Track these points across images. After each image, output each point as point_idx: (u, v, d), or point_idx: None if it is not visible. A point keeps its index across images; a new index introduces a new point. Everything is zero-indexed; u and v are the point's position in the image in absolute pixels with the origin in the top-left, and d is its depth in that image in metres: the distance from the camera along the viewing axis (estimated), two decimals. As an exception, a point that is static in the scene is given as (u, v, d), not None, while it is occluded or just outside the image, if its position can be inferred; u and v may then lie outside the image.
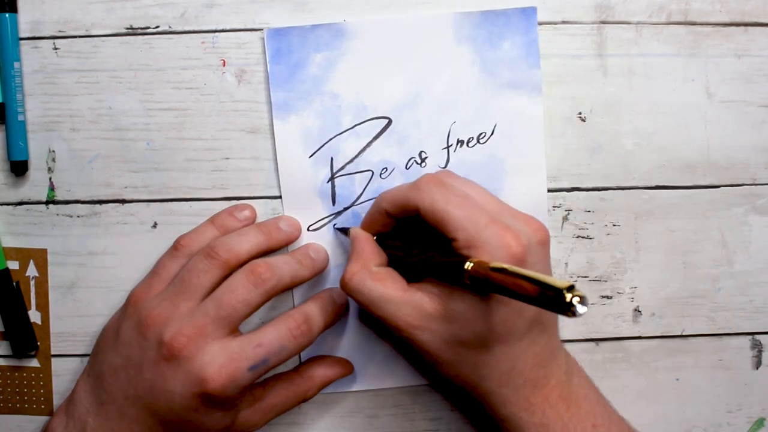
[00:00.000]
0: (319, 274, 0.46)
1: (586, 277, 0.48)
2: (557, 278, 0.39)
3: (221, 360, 0.40)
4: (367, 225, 0.45)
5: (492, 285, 0.36)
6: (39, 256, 0.48)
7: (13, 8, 0.46)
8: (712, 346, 0.49)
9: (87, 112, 0.47)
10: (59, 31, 0.47)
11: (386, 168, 0.47)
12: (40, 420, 0.48)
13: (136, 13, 0.46)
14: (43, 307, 0.48)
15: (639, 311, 0.48)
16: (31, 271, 0.48)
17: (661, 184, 0.48)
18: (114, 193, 0.47)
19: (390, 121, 0.46)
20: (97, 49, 0.47)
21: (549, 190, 0.47)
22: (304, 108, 0.46)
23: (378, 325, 0.47)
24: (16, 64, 0.46)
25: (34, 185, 0.47)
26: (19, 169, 0.47)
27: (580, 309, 0.32)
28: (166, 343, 0.40)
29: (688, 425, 0.49)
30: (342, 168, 0.47)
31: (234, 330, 0.41)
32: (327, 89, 0.46)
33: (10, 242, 0.48)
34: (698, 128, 0.47)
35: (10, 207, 0.48)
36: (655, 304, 0.48)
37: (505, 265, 0.35)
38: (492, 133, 0.46)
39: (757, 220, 0.48)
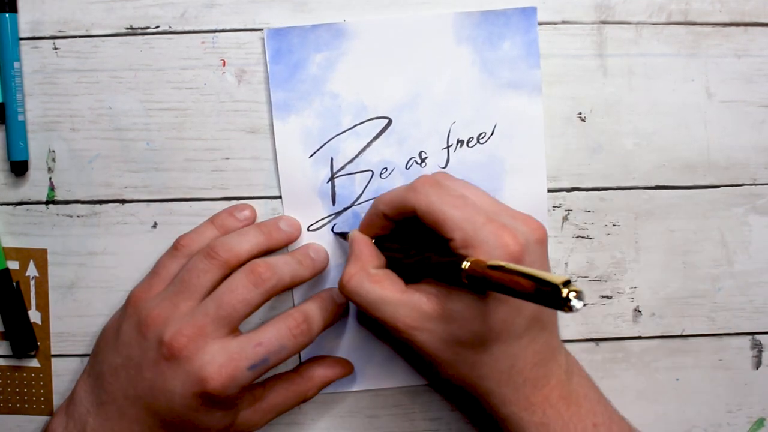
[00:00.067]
0: (319, 274, 0.46)
1: (586, 277, 0.48)
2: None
3: (221, 359, 0.40)
4: (365, 228, 0.45)
5: (489, 283, 0.36)
6: (39, 256, 0.48)
7: (13, 8, 0.46)
8: (712, 346, 0.49)
9: (87, 112, 0.47)
10: (59, 31, 0.47)
11: (386, 168, 0.47)
12: (40, 420, 0.48)
13: (136, 13, 0.46)
14: (43, 307, 0.48)
15: (639, 311, 0.48)
16: (31, 271, 0.48)
17: (661, 184, 0.48)
18: (114, 193, 0.47)
19: (390, 121, 0.46)
20: (97, 49, 0.47)
21: (549, 190, 0.47)
22: (304, 108, 0.46)
23: (377, 327, 0.47)
24: (16, 64, 0.46)
25: (34, 185, 0.47)
26: (19, 169, 0.47)
27: (577, 304, 0.32)
28: (166, 342, 0.40)
29: (688, 425, 0.49)
30: (342, 168, 0.47)
31: (234, 330, 0.41)
32: (327, 89, 0.46)
33: (10, 242, 0.48)
34: (698, 128, 0.47)
35: (10, 207, 0.48)
36: (655, 304, 0.48)
37: (501, 263, 0.35)
38: (492, 133, 0.46)
39: (757, 220, 0.48)
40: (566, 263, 0.48)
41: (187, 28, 0.46)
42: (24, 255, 0.48)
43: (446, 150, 0.47)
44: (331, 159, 0.47)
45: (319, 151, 0.47)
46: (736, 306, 0.48)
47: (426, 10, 0.46)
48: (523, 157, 0.47)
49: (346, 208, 0.47)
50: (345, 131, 0.47)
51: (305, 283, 0.46)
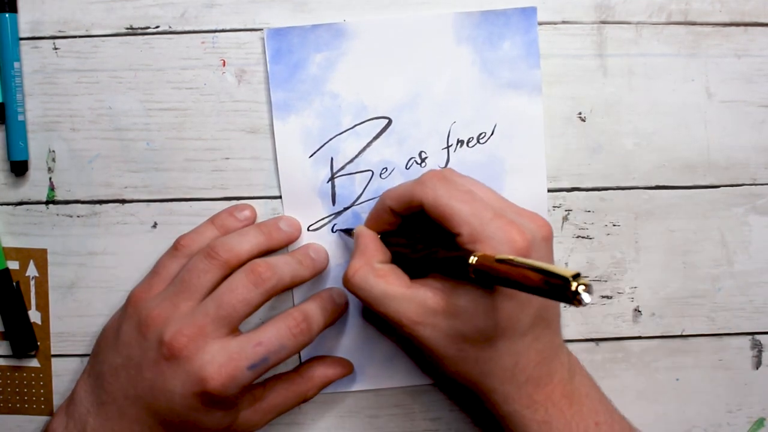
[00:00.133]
0: (319, 274, 0.46)
1: (586, 277, 0.48)
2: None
3: (221, 359, 0.40)
4: (372, 223, 0.45)
5: (497, 277, 0.35)
6: (39, 256, 0.48)
7: (13, 8, 0.46)
8: (712, 346, 0.49)
9: (87, 112, 0.47)
10: (59, 31, 0.47)
11: (386, 168, 0.47)
12: (40, 420, 0.48)
13: (136, 13, 0.46)
14: (43, 307, 0.48)
15: (639, 311, 0.48)
16: (31, 271, 0.48)
17: (661, 184, 0.48)
18: (114, 193, 0.47)
19: (390, 121, 0.46)
20: (97, 49, 0.47)
21: (549, 190, 0.47)
22: (304, 108, 0.46)
23: (381, 323, 0.47)
24: (16, 64, 0.46)
25: (34, 185, 0.47)
26: (19, 169, 0.47)
27: (586, 297, 0.32)
28: (167, 342, 0.40)
29: (688, 425, 0.49)
30: (342, 168, 0.47)
31: (234, 329, 0.41)
32: (327, 89, 0.46)
33: (10, 242, 0.48)
34: (698, 128, 0.47)
35: (10, 207, 0.48)
36: (655, 304, 0.48)
37: (510, 256, 0.35)
38: (492, 133, 0.46)
39: (757, 220, 0.48)
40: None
41: (187, 28, 0.46)
42: (24, 255, 0.48)
43: (446, 150, 0.47)
44: (331, 159, 0.47)
45: (319, 151, 0.47)
46: (736, 306, 0.48)
47: (426, 10, 0.46)
48: (523, 157, 0.47)
49: (346, 208, 0.47)
50: (345, 131, 0.47)
51: (305, 283, 0.46)
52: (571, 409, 0.41)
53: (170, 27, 0.46)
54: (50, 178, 0.47)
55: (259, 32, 0.46)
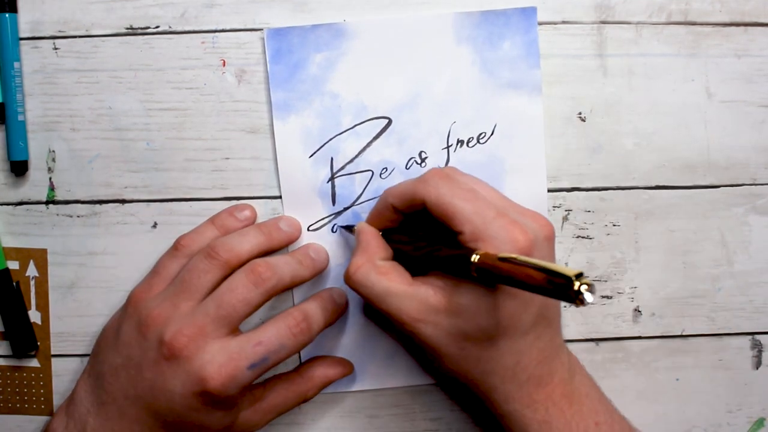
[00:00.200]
0: (319, 274, 0.46)
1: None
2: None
3: (221, 359, 0.40)
4: (374, 220, 0.45)
5: (499, 276, 0.35)
6: (39, 256, 0.48)
7: (13, 8, 0.46)
8: (712, 346, 0.49)
9: (87, 112, 0.47)
10: (59, 31, 0.47)
11: (386, 168, 0.47)
12: (40, 420, 0.48)
13: (136, 13, 0.46)
14: (43, 307, 0.48)
15: (639, 311, 0.48)
16: (31, 271, 0.48)
17: (661, 184, 0.48)
18: (114, 193, 0.47)
19: (390, 121, 0.46)
20: (97, 49, 0.47)
21: (549, 190, 0.47)
22: (304, 108, 0.46)
23: (382, 320, 0.47)
24: (16, 64, 0.46)
25: (34, 185, 0.47)
26: (19, 169, 0.47)
27: (589, 297, 0.32)
28: (167, 342, 0.40)
29: (688, 425, 0.49)
30: (342, 168, 0.47)
31: (234, 329, 0.41)
32: (327, 89, 0.46)
33: (10, 242, 0.48)
34: (698, 128, 0.47)
35: (10, 207, 0.48)
36: (655, 304, 0.48)
37: (513, 255, 0.35)
38: (492, 133, 0.47)
39: (757, 220, 0.48)
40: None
41: (187, 28, 0.46)
42: (24, 255, 0.48)
43: (446, 150, 0.47)
44: (331, 159, 0.47)
45: (319, 151, 0.47)
46: (736, 306, 0.48)
47: (426, 10, 0.46)
48: (523, 157, 0.47)
49: (346, 208, 0.47)
50: (345, 131, 0.47)
51: (305, 283, 0.46)
52: (571, 408, 0.41)
53: (170, 27, 0.46)
54: (50, 178, 0.47)
55: (259, 32, 0.46)
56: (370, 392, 0.48)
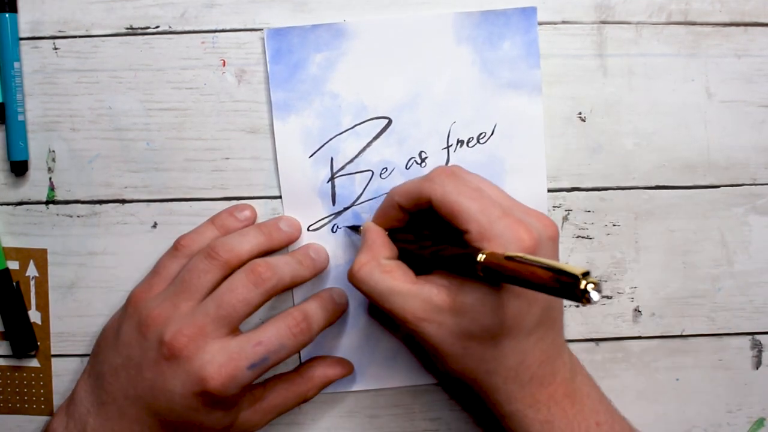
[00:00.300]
0: (319, 274, 0.46)
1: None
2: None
3: (221, 359, 0.40)
4: (379, 219, 0.45)
5: (505, 275, 0.35)
6: (39, 256, 0.48)
7: (13, 8, 0.46)
8: (712, 346, 0.49)
9: (87, 112, 0.47)
10: (59, 31, 0.47)
11: (386, 168, 0.47)
12: (40, 420, 0.48)
13: (136, 13, 0.46)
14: (43, 307, 0.48)
15: (639, 311, 0.48)
16: (31, 271, 0.48)
17: (661, 184, 0.48)
18: (114, 193, 0.47)
19: (390, 121, 0.46)
20: (97, 49, 0.47)
21: (549, 190, 0.47)
22: (304, 108, 0.46)
23: (386, 319, 0.47)
24: (16, 64, 0.46)
25: (34, 185, 0.47)
26: (19, 169, 0.47)
27: (595, 296, 0.32)
28: (167, 342, 0.40)
29: (688, 425, 0.49)
30: (342, 168, 0.47)
31: (234, 329, 0.41)
32: (327, 89, 0.46)
33: (10, 242, 0.48)
34: (698, 128, 0.47)
35: (10, 207, 0.48)
36: (655, 304, 0.48)
37: (519, 254, 0.35)
38: (492, 133, 0.46)
39: (757, 220, 0.48)
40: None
41: (187, 28, 0.46)
42: (24, 255, 0.48)
43: (446, 150, 0.47)
44: (331, 159, 0.47)
45: (319, 151, 0.47)
46: (736, 306, 0.48)
47: (426, 10, 0.46)
48: (523, 157, 0.47)
49: (346, 208, 0.47)
50: (345, 131, 0.47)
51: (305, 283, 0.46)
52: (573, 408, 0.41)
53: (170, 27, 0.46)
54: (50, 178, 0.47)
55: (259, 32, 0.46)
56: (370, 392, 0.48)
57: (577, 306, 0.48)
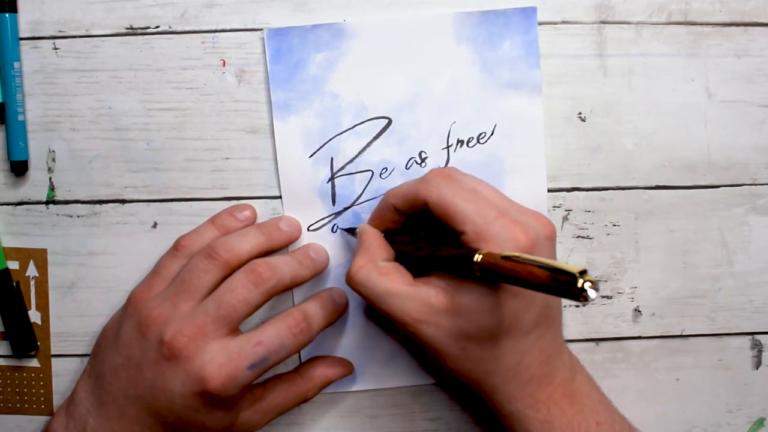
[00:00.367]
0: (319, 274, 0.46)
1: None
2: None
3: (221, 359, 0.40)
4: (375, 221, 0.45)
5: (502, 275, 0.35)
6: (39, 256, 0.48)
7: (13, 8, 0.46)
8: (712, 346, 0.49)
9: (87, 112, 0.47)
10: (59, 31, 0.47)
11: (386, 168, 0.47)
12: (40, 420, 0.48)
13: (136, 13, 0.46)
14: (43, 307, 0.48)
15: (639, 311, 0.48)
16: (31, 271, 0.48)
17: (661, 184, 0.48)
18: (114, 193, 0.47)
19: (390, 121, 0.46)
20: (97, 49, 0.47)
21: (549, 190, 0.47)
22: (304, 108, 0.46)
23: (384, 321, 0.47)
24: (16, 64, 0.46)
25: (34, 185, 0.47)
26: (19, 169, 0.47)
27: (592, 294, 0.32)
28: (167, 342, 0.40)
29: (688, 425, 0.49)
30: (342, 168, 0.47)
31: (234, 329, 0.41)
32: (327, 89, 0.46)
33: (10, 242, 0.48)
34: (698, 128, 0.47)
35: (10, 207, 0.48)
36: (655, 304, 0.48)
37: (516, 254, 0.35)
38: (492, 133, 0.47)
39: (757, 220, 0.48)
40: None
41: (187, 28, 0.46)
42: (24, 255, 0.48)
43: (446, 150, 0.47)
44: (331, 159, 0.47)
45: (319, 151, 0.47)
46: (736, 306, 0.48)
47: (426, 10, 0.46)
48: (523, 157, 0.47)
49: (346, 208, 0.47)
50: (345, 131, 0.47)
51: (305, 283, 0.46)
52: (572, 408, 0.41)
53: (170, 27, 0.46)
54: (50, 178, 0.47)
55: (259, 32, 0.46)
56: (370, 392, 0.48)
57: (577, 306, 0.48)
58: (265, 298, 0.42)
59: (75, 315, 0.48)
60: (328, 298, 0.45)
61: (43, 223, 0.48)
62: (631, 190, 0.48)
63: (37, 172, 0.47)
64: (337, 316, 0.45)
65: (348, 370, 0.47)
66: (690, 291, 0.48)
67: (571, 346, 0.48)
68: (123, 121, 0.47)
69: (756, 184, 0.48)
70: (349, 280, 0.42)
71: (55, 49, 0.47)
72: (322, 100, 0.46)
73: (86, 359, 0.46)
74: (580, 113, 0.47)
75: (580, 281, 0.32)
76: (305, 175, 0.47)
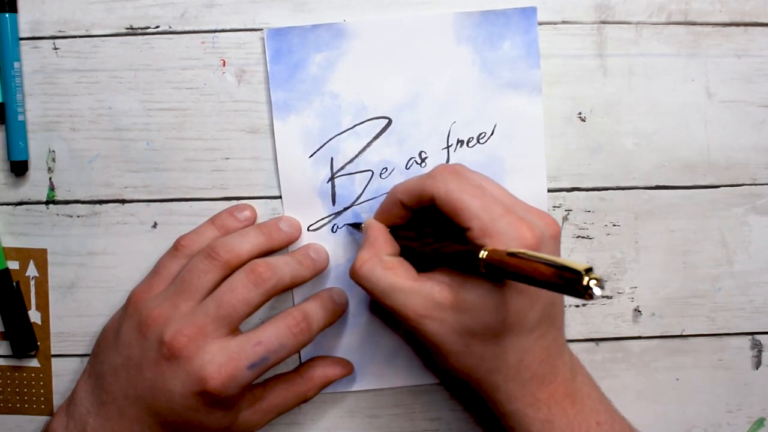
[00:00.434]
0: (319, 274, 0.46)
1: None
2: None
3: (221, 359, 0.40)
4: (382, 216, 0.45)
5: (507, 271, 0.35)
6: (39, 256, 0.48)
7: (13, 8, 0.46)
8: (712, 346, 0.49)
9: (87, 112, 0.47)
10: (59, 31, 0.47)
11: (386, 168, 0.47)
12: (40, 420, 0.48)
13: (136, 13, 0.46)
14: (43, 307, 0.48)
15: (639, 311, 0.48)
16: (31, 271, 0.48)
17: (661, 184, 0.48)
18: (114, 193, 0.47)
19: (390, 121, 0.46)
20: (97, 49, 0.47)
21: (549, 190, 0.47)
22: (304, 108, 0.46)
23: (388, 317, 0.47)
24: (16, 64, 0.46)
25: (34, 185, 0.47)
26: (19, 169, 0.47)
27: (597, 292, 0.32)
28: (167, 342, 0.40)
29: (688, 425, 0.49)
30: (342, 168, 0.47)
31: (234, 329, 0.41)
32: (327, 89, 0.46)
33: (10, 242, 0.48)
34: (698, 128, 0.47)
35: (10, 207, 0.48)
36: (655, 304, 0.48)
37: (521, 250, 0.35)
38: (492, 133, 0.47)
39: (757, 220, 0.48)
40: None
41: (187, 28, 0.46)
42: (24, 255, 0.48)
43: (446, 150, 0.47)
44: (331, 159, 0.47)
45: (319, 151, 0.47)
46: (736, 306, 0.48)
47: (426, 10, 0.46)
48: (523, 157, 0.47)
49: (346, 208, 0.47)
50: (345, 131, 0.47)
51: (305, 283, 0.46)
52: (573, 408, 0.41)
53: (170, 27, 0.46)
54: (50, 178, 0.47)
55: (259, 32, 0.46)
56: (370, 392, 0.48)
57: (582, 305, 0.48)
58: (265, 298, 0.42)
59: (75, 315, 0.48)
60: (328, 298, 0.45)
61: (43, 223, 0.48)
62: (631, 190, 0.48)
63: (37, 172, 0.47)
64: (337, 316, 0.45)
65: (348, 370, 0.47)
66: (690, 291, 0.48)
67: (572, 346, 0.48)
68: (123, 121, 0.47)
69: (756, 184, 0.48)
70: (354, 274, 0.42)
71: (55, 49, 0.47)
72: (322, 100, 0.46)
73: (86, 359, 0.46)
74: (580, 113, 0.47)
75: (586, 279, 0.32)
76: (305, 175, 0.47)
